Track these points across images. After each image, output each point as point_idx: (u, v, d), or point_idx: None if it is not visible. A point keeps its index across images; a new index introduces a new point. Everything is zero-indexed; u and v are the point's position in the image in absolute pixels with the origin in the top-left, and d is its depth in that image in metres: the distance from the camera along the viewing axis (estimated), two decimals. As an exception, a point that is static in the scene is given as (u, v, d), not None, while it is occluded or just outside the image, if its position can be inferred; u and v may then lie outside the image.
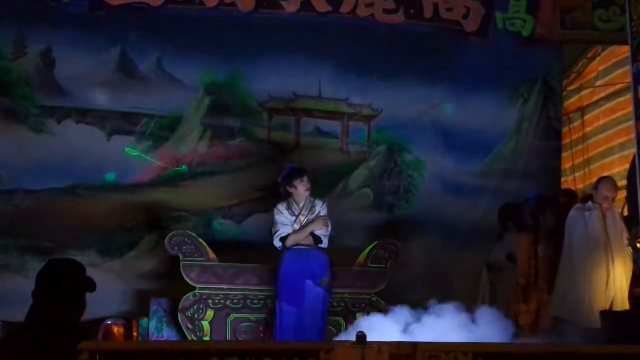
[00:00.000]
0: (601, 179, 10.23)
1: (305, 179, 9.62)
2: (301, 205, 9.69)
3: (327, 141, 11.63)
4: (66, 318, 4.70)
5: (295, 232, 9.62)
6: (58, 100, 10.90)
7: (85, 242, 10.63)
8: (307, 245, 9.62)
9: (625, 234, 9.84)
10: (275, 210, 9.70)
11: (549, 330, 9.54)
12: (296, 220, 9.64)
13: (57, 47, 10.85)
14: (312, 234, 9.62)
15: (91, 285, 4.85)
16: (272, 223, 9.73)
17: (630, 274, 9.76)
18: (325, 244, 9.67)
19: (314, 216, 9.68)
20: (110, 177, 10.90)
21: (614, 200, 9.95)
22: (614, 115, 12.12)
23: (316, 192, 11.11)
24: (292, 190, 9.66)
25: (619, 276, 9.71)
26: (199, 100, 11.30)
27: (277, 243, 9.65)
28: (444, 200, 11.51)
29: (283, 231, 9.63)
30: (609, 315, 9.45)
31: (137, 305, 10.51)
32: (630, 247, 9.87)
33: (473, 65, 11.40)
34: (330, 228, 9.70)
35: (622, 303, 9.64)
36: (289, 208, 9.69)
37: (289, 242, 9.60)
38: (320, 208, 9.75)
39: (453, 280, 10.91)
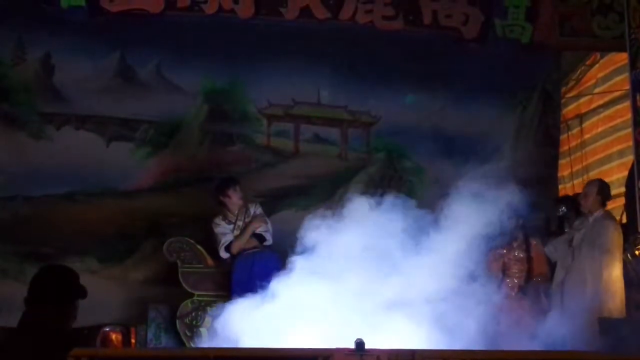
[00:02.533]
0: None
1: (238, 187, 9.98)
2: (236, 212, 9.98)
3: (326, 148, 11.66)
4: (57, 324, 4.71)
5: (236, 237, 9.90)
6: (57, 106, 10.93)
7: (83, 248, 10.65)
8: (253, 247, 9.90)
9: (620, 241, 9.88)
10: (213, 225, 10.01)
11: None
12: (235, 227, 9.94)
13: (57, 53, 10.86)
14: (254, 234, 9.87)
15: (82, 292, 4.84)
16: (215, 239, 9.99)
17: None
18: (269, 240, 9.96)
19: (250, 218, 9.98)
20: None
21: (587, 198, 9.94)
22: (612, 122, 12.12)
23: (315, 199, 11.16)
24: (225, 200, 9.98)
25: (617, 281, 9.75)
26: (198, 106, 11.32)
27: (224, 254, 9.91)
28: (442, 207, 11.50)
29: (225, 240, 9.92)
30: (606, 322, 9.46)
31: (135, 312, 10.51)
32: (628, 254, 9.89)
33: (472, 71, 11.40)
34: (269, 224, 9.95)
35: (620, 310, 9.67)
36: (225, 218, 10.02)
37: (234, 249, 9.88)
38: (254, 208, 10.06)
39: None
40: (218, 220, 9.99)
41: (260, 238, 9.90)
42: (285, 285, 8.80)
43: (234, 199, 9.93)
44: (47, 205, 10.72)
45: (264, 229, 9.95)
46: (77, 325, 10.17)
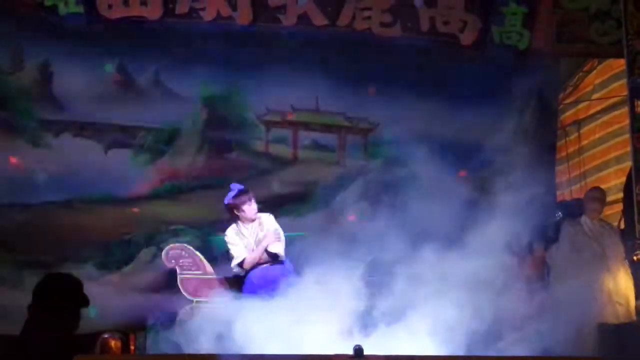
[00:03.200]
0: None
1: (253, 200, 9.76)
2: (248, 225, 9.80)
3: (324, 154, 11.65)
4: (59, 332, 4.71)
5: (249, 253, 9.73)
6: (55, 114, 10.91)
7: (82, 256, 10.64)
8: (266, 263, 9.74)
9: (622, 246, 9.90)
10: (226, 239, 9.83)
11: None
12: (248, 242, 9.77)
13: (55, 60, 10.86)
14: (267, 251, 9.72)
15: (85, 300, 4.87)
16: (226, 250, 9.86)
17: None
18: (283, 256, 9.78)
19: (263, 232, 9.78)
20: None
21: (600, 211, 10.01)
22: (610, 128, 12.13)
23: (313, 205, 11.16)
24: (240, 214, 9.77)
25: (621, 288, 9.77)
26: (197, 113, 11.31)
27: (237, 270, 9.78)
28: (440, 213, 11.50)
29: (238, 256, 9.74)
30: (606, 328, 9.47)
31: (134, 319, 10.49)
32: (627, 260, 9.91)
33: (469, 78, 11.39)
34: (283, 239, 9.78)
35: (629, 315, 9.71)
36: (239, 233, 9.83)
37: (246, 266, 9.74)
38: (268, 222, 9.85)
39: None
40: (231, 233, 9.79)
41: (273, 255, 9.74)
42: (287, 292, 8.82)
43: (249, 213, 9.74)
44: (45, 213, 10.71)
45: (278, 246, 9.74)
46: (76, 332, 10.20)
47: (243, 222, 9.79)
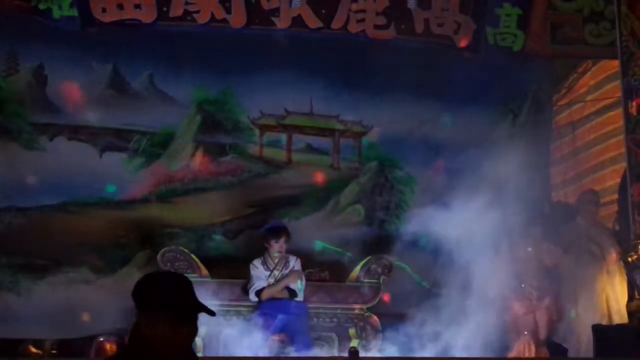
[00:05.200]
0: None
1: (282, 240, 9.83)
2: (276, 260, 9.86)
3: (318, 157, 11.66)
4: (176, 343, 4.05)
5: (269, 285, 9.81)
6: (50, 117, 10.91)
7: (77, 259, 10.63)
8: (283, 298, 9.80)
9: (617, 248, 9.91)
10: (251, 266, 9.92)
11: None
12: (270, 275, 9.85)
13: (49, 63, 10.85)
14: (287, 288, 9.80)
15: (200, 306, 4.22)
16: (248, 278, 9.91)
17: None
18: (300, 297, 9.84)
19: (287, 271, 9.88)
20: (110, 189, 10.90)
21: (595, 212, 10.02)
22: (604, 129, 12.15)
23: (307, 209, 11.16)
24: (267, 245, 9.87)
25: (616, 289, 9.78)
26: (191, 116, 11.31)
27: (253, 297, 9.85)
28: (434, 215, 11.51)
29: (258, 284, 9.82)
30: (599, 329, 9.48)
31: (129, 322, 10.43)
32: (621, 262, 9.92)
33: (464, 80, 11.36)
34: (304, 281, 9.88)
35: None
36: (264, 263, 9.92)
37: (263, 296, 9.80)
38: (294, 262, 9.95)
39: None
40: (257, 262, 9.90)
41: (292, 293, 9.79)
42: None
43: (275, 249, 9.82)
44: (40, 216, 10.69)
45: (299, 285, 9.83)
46: (71, 335, 10.23)
47: (271, 255, 9.90)
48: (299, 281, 9.84)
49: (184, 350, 4.16)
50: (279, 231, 9.88)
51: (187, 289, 4.25)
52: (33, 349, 10.30)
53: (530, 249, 10.34)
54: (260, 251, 10.14)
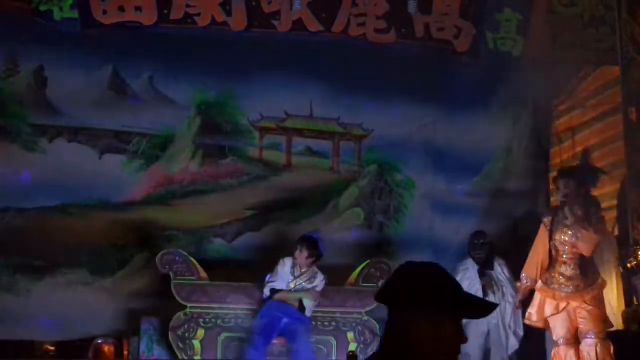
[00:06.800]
0: None
1: (305, 251, 9.74)
2: (304, 269, 9.81)
3: (317, 160, 11.65)
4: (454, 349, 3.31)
5: (287, 291, 9.76)
6: (50, 119, 10.89)
7: (76, 260, 10.61)
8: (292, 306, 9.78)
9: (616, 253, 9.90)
10: (280, 261, 9.86)
11: None
12: (293, 280, 9.77)
13: (49, 65, 10.83)
14: (300, 300, 9.75)
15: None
16: (272, 270, 9.84)
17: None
18: (309, 313, 9.82)
19: (310, 286, 9.83)
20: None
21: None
22: (604, 135, 12.12)
23: (306, 212, 11.16)
24: (296, 253, 9.80)
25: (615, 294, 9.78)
26: (191, 118, 11.30)
27: (267, 291, 9.78)
28: (433, 219, 11.52)
29: (276, 284, 9.76)
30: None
31: (127, 324, 10.47)
32: (621, 267, 9.92)
33: (463, 84, 11.37)
34: (317, 303, 9.85)
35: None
36: (293, 267, 9.83)
37: (276, 296, 9.73)
38: (319, 282, 9.87)
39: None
40: (287, 261, 9.85)
41: (302, 307, 9.75)
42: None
43: (300, 259, 9.77)
44: (39, 217, 10.67)
45: (312, 306, 9.80)
46: (69, 337, 10.23)
47: (299, 263, 9.84)
48: (313, 301, 9.80)
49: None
50: (303, 241, 9.82)
51: (457, 283, 3.43)
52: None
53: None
54: (260, 255, 10.15)
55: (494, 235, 10.85)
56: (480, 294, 9.80)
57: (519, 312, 9.87)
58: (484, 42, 11.34)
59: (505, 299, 10.03)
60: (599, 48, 11.25)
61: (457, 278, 9.88)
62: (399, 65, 11.29)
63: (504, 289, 10.07)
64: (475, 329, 9.70)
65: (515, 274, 9.85)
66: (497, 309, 9.84)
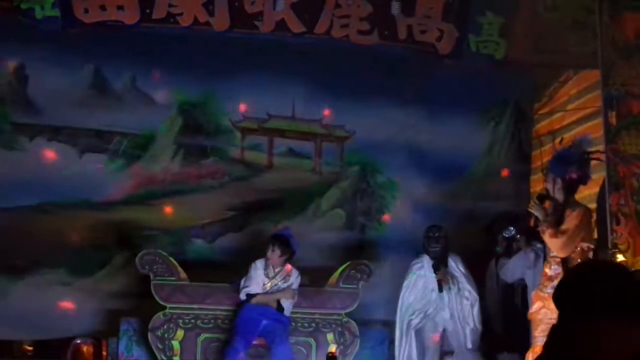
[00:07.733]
0: None
1: (277, 250, 9.78)
2: (277, 269, 9.83)
3: (300, 161, 11.64)
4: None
5: (263, 294, 9.78)
6: (30, 117, 10.86)
7: (55, 260, 10.58)
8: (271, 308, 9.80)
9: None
10: (252, 265, 9.86)
11: None
12: (269, 282, 9.82)
13: (30, 63, 10.79)
14: (278, 301, 9.78)
15: None
16: (246, 275, 9.83)
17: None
18: (287, 313, 9.83)
19: (285, 285, 9.86)
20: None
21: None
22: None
23: (288, 213, 11.15)
24: (269, 252, 9.83)
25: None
26: (172, 118, 11.28)
27: (243, 296, 9.78)
28: (415, 221, 11.52)
29: (251, 288, 9.78)
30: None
31: (106, 324, 10.44)
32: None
33: (446, 87, 11.40)
34: (295, 300, 9.85)
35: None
36: (266, 268, 9.85)
37: (253, 300, 9.75)
38: (294, 280, 9.90)
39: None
40: (259, 264, 9.86)
41: (281, 307, 9.77)
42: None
43: (273, 259, 9.80)
44: (18, 217, 10.62)
45: (289, 304, 9.81)
46: (48, 336, 10.20)
47: (272, 263, 9.86)
48: (290, 299, 9.81)
49: None
50: (275, 240, 9.86)
51: None
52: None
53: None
54: (241, 256, 10.15)
55: (475, 236, 10.89)
56: (436, 290, 9.87)
57: (477, 307, 9.93)
58: (466, 44, 11.35)
59: (461, 294, 10.02)
60: (581, 52, 11.29)
61: (411, 278, 10.01)
62: (382, 67, 11.31)
63: (460, 284, 10.06)
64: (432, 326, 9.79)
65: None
66: (454, 305, 9.93)
